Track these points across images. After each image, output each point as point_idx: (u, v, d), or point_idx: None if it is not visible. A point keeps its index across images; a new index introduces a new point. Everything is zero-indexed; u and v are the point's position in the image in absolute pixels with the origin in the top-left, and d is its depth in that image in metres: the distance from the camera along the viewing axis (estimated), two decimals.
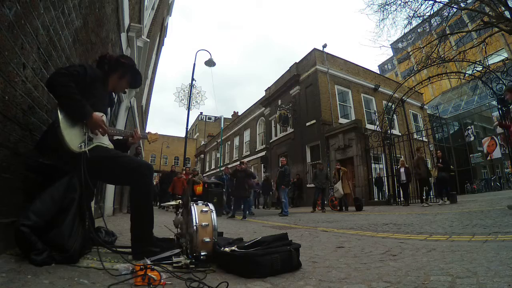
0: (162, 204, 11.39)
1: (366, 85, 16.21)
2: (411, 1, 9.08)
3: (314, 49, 14.89)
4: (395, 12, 9.50)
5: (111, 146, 1.79)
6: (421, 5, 9.05)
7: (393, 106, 11.65)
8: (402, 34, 10.94)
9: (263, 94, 19.50)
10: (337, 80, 14.99)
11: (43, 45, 1.54)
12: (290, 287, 1.23)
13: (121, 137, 2.02)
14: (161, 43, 11.30)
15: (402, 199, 9.72)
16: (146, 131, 14.78)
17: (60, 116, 1.45)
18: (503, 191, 12.93)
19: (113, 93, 1.99)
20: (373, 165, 12.16)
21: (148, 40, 5.06)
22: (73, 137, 1.49)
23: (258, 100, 20.43)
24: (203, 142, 35.14)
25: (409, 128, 14.33)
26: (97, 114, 1.60)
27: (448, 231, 2.98)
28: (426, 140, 12.91)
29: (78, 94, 1.48)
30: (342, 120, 14.11)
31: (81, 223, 1.49)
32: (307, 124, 14.31)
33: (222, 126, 25.82)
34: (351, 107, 15.17)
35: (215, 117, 42.47)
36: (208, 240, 1.56)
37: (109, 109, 1.94)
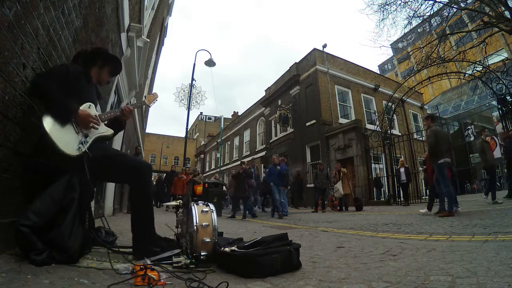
0: (162, 204, 11.44)
1: (366, 85, 16.21)
2: (411, 1, 9.09)
3: (314, 49, 14.88)
4: (395, 12, 9.50)
5: (110, 131, 1.77)
6: (421, 5, 9.06)
7: (393, 106, 11.64)
8: (402, 34, 10.94)
9: (263, 94, 19.49)
10: (337, 80, 14.98)
11: (43, 45, 1.54)
12: (290, 287, 1.23)
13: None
14: (161, 43, 11.30)
15: (402, 199, 9.73)
16: (147, 126, 14.70)
17: (46, 126, 1.40)
18: (503, 191, 12.90)
19: (98, 86, 1.96)
20: (373, 165, 12.16)
21: (148, 40, 5.06)
22: (67, 142, 1.47)
23: (258, 100, 20.43)
24: (203, 142, 35.14)
25: (409, 128, 14.34)
26: (83, 110, 1.56)
27: (448, 231, 2.98)
28: None
29: (60, 94, 1.46)
30: (342, 120, 14.10)
31: (81, 223, 1.49)
32: (307, 124, 14.30)
33: (222, 126, 25.81)
34: (351, 107, 15.17)
35: (215, 117, 42.47)
36: (208, 240, 1.57)
37: (98, 100, 1.91)
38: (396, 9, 9.41)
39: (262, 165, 18.43)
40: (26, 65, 1.41)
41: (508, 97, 7.61)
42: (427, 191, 9.28)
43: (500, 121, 8.60)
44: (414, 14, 9.16)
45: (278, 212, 6.79)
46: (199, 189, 8.76)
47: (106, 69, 1.89)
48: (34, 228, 1.27)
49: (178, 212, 1.98)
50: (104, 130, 1.74)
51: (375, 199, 11.46)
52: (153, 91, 2.32)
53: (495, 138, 17.28)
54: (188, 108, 10.67)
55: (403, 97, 11.30)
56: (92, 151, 1.56)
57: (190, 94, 10.76)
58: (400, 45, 19.25)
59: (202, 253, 1.51)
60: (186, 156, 10.45)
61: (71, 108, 1.51)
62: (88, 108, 1.62)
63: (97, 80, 1.87)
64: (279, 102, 16.88)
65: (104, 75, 1.90)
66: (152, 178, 2.26)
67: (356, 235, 3.15)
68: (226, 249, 1.51)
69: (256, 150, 19.87)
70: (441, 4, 9.06)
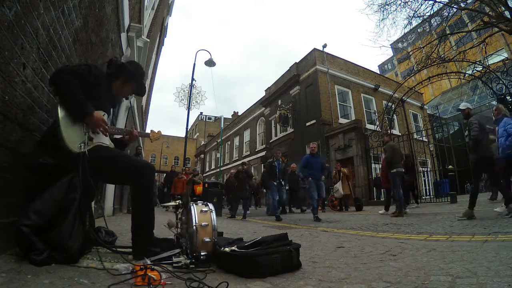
0: (162, 205, 11.44)
1: (366, 85, 16.20)
2: (411, 1, 9.09)
3: (314, 49, 14.88)
4: (395, 12, 9.51)
5: (112, 145, 1.79)
6: (421, 5, 9.06)
7: (393, 106, 11.64)
8: (402, 34, 10.94)
9: (263, 94, 19.49)
10: (337, 80, 14.98)
11: (43, 45, 1.54)
12: (290, 287, 1.23)
13: (121, 136, 2.03)
14: (161, 43, 11.30)
15: None
16: (147, 127, 14.77)
17: (60, 115, 1.44)
18: None
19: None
20: (373, 165, 12.16)
21: (148, 40, 5.06)
22: (73, 137, 1.49)
23: (258, 100, 20.43)
24: (203, 142, 35.13)
25: (409, 128, 14.31)
26: (98, 113, 1.60)
27: (448, 231, 2.99)
28: (426, 140, 12.90)
29: (80, 93, 1.48)
30: (342, 120, 14.10)
31: (82, 223, 1.49)
32: (307, 124, 14.30)
33: (222, 126, 25.81)
34: (351, 107, 15.17)
35: (215, 117, 42.44)
36: (208, 240, 1.57)
37: (111, 109, 1.94)
38: (396, 9, 9.42)
39: (262, 165, 18.42)
40: (26, 65, 1.41)
41: (508, 97, 7.61)
42: (384, 193, 9.47)
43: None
44: (414, 14, 9.17)
45: (315, 215, 5.36)
46: (198, 189, 8.77)
47: (128, 86, 1.90)
48: (35, 228, 1.28)
49: (178, 212, 1.98)
50: (108, 142, 1.76)
51: (375, 199, 11.45)
52: (158, 130, 2.34)
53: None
54: (188, 108, 10.67)
55: (403, 97, 11.29)
56: (93, 153, 1.56)
57: (190, 94, 10.75)
58: (400, 45, 19.22)
59: (202, 253, 1.51)
60: (186, 156, 10.45)
61: (87, 110, 1.53)
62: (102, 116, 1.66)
63: (116, 91, 1.89)
64: (279, 102, 16.87)
65: (125, 90, 1.91)
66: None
67: (356, 235, 3.15)
68: (226, 249, 1.51)
69: (256, 150, 19.87)
70: (441, 4, 9.06)
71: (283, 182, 6.47)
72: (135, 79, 1.91)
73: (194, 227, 1.54)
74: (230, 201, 9.36)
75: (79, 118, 1.53)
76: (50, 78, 1.46)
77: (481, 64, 8.64)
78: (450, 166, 9.77)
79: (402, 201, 5.53)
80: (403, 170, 5.80)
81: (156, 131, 2.25)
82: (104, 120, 1.64)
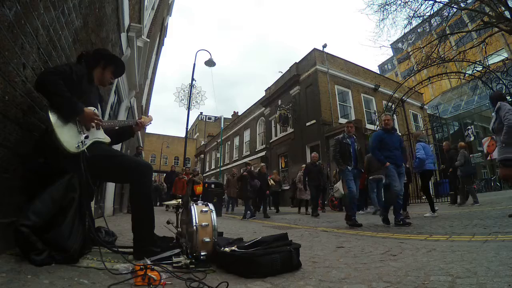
0: (163, 203, 11.43)
1: (366, 85, 16.19)
2: (411, 1, 9.08)
3: (314, 49, 14.87)
4: (395, 12, 9.49)
5: (107, 139, 1.80)
6: (421, 5, 9.04)
7: (393, 106, 11.64)
8: (402, 34, 10.91)
9: (263, 94, 19.48)
10: (337, 80, 14.97)
11: (43, 45, 1.54)
12: (290, 287, 1.23)
13: (129, 125, 2.04)
14: (161, 43, 11.30)
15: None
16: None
17: (52, 120, 1.44)
18: (503, 191, 12.93)
19: (99, 88, 1.99)
20: None
21: (148, 40, 5.06)
22: (69, 138, 1.49)
23: (258, 100, 20.42)
24: (203, 142, 35.12)
25: (409, 128, 14.32)
26: (89, 109, 1.61)
27: (448, 231, 2.98)
28: (427, 140, 12.92)
29: (68, 92, 1.48)
30: (342, 120, 14.08)
31: (81, 223, 1.49)
32: (307, 124, 14.29)
33: (222, 126, 25.81)
34: (351, 107, 15.16)
35: (215, 117, 42.43)
36: (208, 240, 1.57)
37: (99, 104, 1.93)
38: (396, 9, 9.40)
39: (264, 164, 18.35)
40: (26, 65, 1.41)
41: (508, 97, 7.61)
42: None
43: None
44: (414, 14, 9.15)
45: (397, 220, 3.73)
46: (198, 189, 8.76)
47: (109, 70, 1.90)
48: (34, 228, 1.27)
49: (178, 212, 1.99)
50: (102, 136, 1.77)
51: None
52: (149, 114, 2.35)
53: (495, 138, 17.29)
54: (188, 108, 10.67)
55: (403, 97, 11.29)
56: (91, 151, 1.56)
57: (190, 94, 10.75)
58: (400, 45, 19.23)
59: (202, 253, 1.51)
60: (186, 156, 10.45)
61: (78, 107, 1.53)
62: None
63: (100, 81, 1.88)
64: (279, 102, 16.87)
65: (106, 76, 1.91)
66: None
67: (356, 235, 3.15)
68: (226, 249, 1.51)
69: (256, 150, 19.86)
70: (441, 4, 9.05)
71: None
72: (112, 61, 1.90)
73: (194, 227, 1.54)
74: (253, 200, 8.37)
75: (72, 115, 1.53)
76: (36, 81, 1.44)
77: (481, 64, 8.63)
78: (442, 166, 9.75)
79: (376, 201, 6.62)
80: (382, 176, 6.36)
81: (148, 116, 2.24)
82: (95, 113, 1.65)
